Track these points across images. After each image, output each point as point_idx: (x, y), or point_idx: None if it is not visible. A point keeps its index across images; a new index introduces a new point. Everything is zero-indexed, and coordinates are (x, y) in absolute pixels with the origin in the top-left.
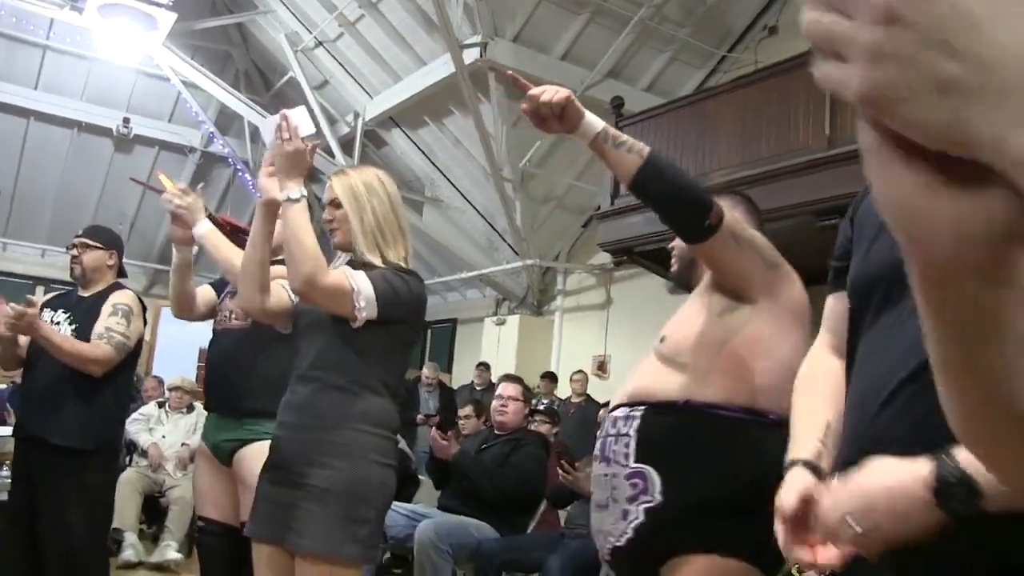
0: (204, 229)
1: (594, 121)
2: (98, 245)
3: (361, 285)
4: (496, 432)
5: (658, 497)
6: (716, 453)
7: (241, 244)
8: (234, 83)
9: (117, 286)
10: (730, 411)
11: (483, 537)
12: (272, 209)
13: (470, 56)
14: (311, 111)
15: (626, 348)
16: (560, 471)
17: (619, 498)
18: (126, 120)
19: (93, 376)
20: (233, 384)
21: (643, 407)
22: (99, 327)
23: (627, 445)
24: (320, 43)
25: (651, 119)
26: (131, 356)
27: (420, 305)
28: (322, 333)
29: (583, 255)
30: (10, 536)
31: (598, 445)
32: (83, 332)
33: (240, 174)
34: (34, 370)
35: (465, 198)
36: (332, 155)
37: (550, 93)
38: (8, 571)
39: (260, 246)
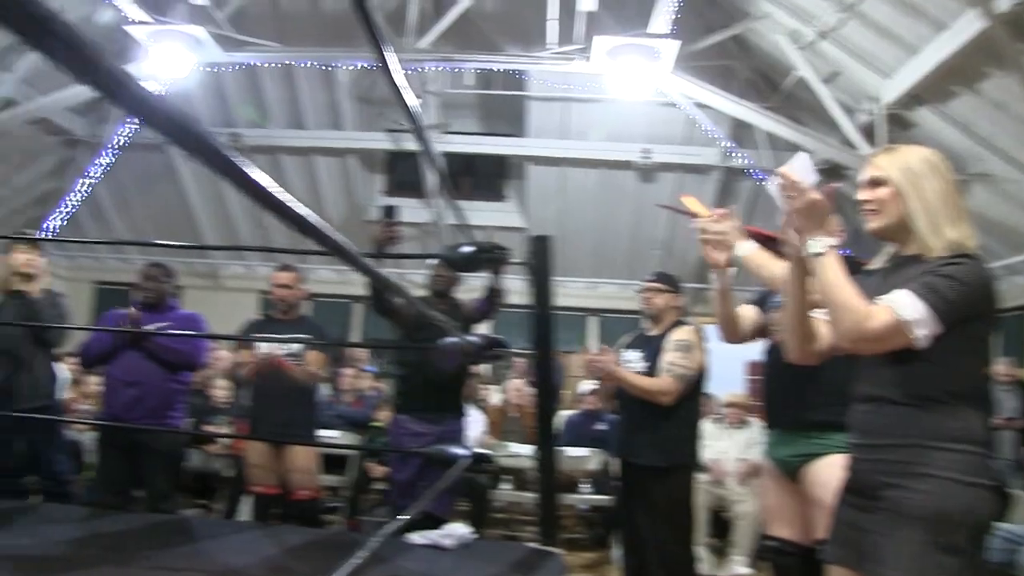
0: (744, 251)
1: None
2: (665, 288)
3: (911, 310)
4: None
5: None
6: None
7: (775, 253)
8: (741, 94)
9: (679, 323)
10: None
11: None
12: (799, 264)
13: (1004, 2)
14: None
15: None
16: None
17: None
18: (645, 151)
19: (665, 405)
20: (795, 397)
21: None
22: (664, 362)
23: None
24: (822, 35)
25: None
26: (697, 383)
27: (984, 291)
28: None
29: None
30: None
31: None
32: (653, 368)
33: (762, 183)
34: (625, 403)
35: (1019, 167)
36: (853, 147)
37: None
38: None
39: (793, 301)
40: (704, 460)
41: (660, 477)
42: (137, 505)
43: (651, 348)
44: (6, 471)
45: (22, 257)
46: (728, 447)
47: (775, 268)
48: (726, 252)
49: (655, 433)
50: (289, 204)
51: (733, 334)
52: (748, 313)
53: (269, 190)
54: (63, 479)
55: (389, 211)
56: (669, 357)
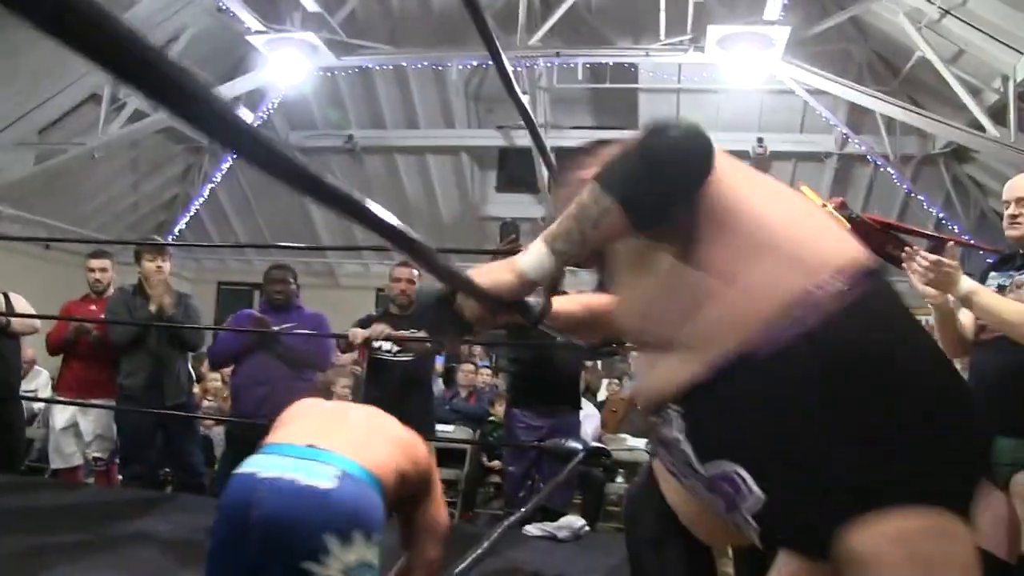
0: (969, 289)
1: None
2: None
3: None
4: None
5: None
6: None
7: (893, 242)
8: (858, 78)
9: None
10: None
11: None
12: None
13: None
14: None
15: None
16: None
17: None
18: (759, 140)
19: None
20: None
21: None
22: None
23: None
24: (946, 11)
25: None
26: None
27: None
28: None
29: None
30: None
31: None
32: None
33: (881, 169)
34: None
35: None
36: (982, 129)
37: None
38: None
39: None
40: None
41: None
42: None
43: None
44: (148, 464)
45: (151, 265)
46: None
47: (1005, 308)
48: (943, 290)
49: None
50: (371, 209)
51: (959, 352)
52: (967, 320)
53: (350, 196)
54: (197, 472)
55: (509, 227)
56: None
